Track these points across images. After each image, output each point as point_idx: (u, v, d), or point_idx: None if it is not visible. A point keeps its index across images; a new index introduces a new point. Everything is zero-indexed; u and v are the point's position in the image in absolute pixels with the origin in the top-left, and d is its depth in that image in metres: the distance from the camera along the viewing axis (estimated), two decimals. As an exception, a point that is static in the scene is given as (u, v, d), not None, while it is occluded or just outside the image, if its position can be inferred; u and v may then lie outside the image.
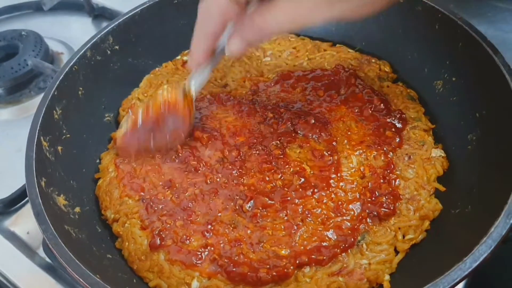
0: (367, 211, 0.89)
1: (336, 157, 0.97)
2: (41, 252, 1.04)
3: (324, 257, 0.83)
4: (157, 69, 1.24)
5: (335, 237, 0.87)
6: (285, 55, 1.22)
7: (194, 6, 1.22)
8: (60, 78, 0.99)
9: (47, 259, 1.01)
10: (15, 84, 1.38)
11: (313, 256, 0.83)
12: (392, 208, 0.89)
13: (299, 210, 0.90)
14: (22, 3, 1.72)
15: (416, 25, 1.08)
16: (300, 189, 0.92)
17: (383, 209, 0.89)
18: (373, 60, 1.17)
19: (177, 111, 0.92)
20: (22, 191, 1.09)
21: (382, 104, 1.04)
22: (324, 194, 0.92)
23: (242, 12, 0.78)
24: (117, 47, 1.14)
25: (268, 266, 0.82)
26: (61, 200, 0.89)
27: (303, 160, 0.98)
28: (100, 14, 1.65)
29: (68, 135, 1.00)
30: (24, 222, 1.10)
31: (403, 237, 0.87)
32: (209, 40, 0.84)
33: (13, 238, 1.07)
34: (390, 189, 0.92)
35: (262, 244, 0.86)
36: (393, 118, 1.02)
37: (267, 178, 0.95)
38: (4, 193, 1.10)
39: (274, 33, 0.74)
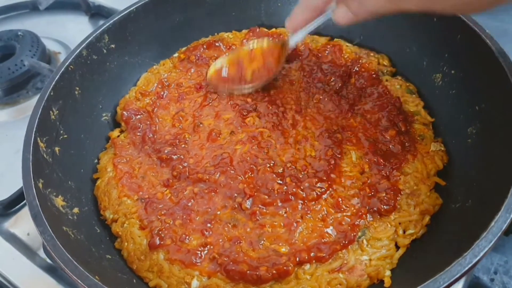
0: (367, 206, 0.89)
1: (336, 151, 0.96)
2: (41, 253, 1.04)
3: (324, 254, 0.83)
4: (154, 67, 1.23)
5: (335, 233, 0.86)
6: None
7: (189, 3, 1.23)
8: (56, 78, 0.99)
9: (48, 260, 1.02)
10: (12, 85, 1.38)
11: (313, 253, 0.83)
12: (392, 203, 0.88)
13: (299, 207, 0.89)
14: (18, 3, 1.71)
15: (414, 17, 1.07)
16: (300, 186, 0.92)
17: (383, 204, 0.88)
18: (371, 54, 1.16)
19: (272, 56, 1.08)
20: (21, 193, 1.09)
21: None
22: (324, 190, 0.91)
23: None
24: (113, 45, 1.13)
25: (268, 264, 0.82)
26: (59, 201, 0.89)
27: (301, 157, 0.97)
28: (96, 13, 1.65)
29: (66, 136, 0.99)
30: (24, 223, 1.10)
31: (404, 232, 0.87)
32: (310, 12, 0.90)
33: (13, 239, 1.07)
34: (390, 184, 0.91)
35: (261, 241, 0.86)
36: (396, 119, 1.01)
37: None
38: (3, 195, 1.10)
39: (374, 12, 0.75)
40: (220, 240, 0.87)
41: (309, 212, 0.89)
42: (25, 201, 1.08)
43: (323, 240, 0.85)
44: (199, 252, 0.86)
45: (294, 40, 1.02)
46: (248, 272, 0.81)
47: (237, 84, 1.10)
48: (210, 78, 1.13)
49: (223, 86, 1.11)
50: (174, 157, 1.00)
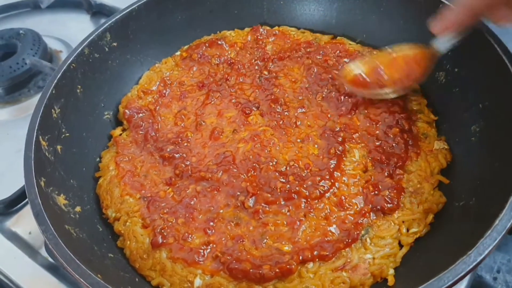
0: (370, 205, 0.88)
1: (339, 149, 0.96)
2: (43, 252, 1.03)
3: (328, 253, 0.82)
4: (156, 65, 1.23)
5: (338, 232, 0.86)
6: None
7: (191, 1, 1.23)
8: (58, 76, 0.98)
9: (50, 259, 1.01)
10: (14, 83, 1.37)
11: (316, 252, 0.82)
12: (395, 201, 0.88)
13: (302, 205, 0.89)
14: (19, 1, 1.70)
15: (417, 15, 1.07)
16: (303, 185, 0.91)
17: (386, 203, 0.88)
18: (374, 52, 1.16)
19: (416, 64, 0.98)
20: (23, 192, 1.09)
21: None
22: (327, 189, 0.91)
23: None
24: (115, 44, 1.13)
25: (270, 263, 0.82)
26: (61, 200, 0.88)
27: (304, 155, 0.97)
28: (98, 11, 1.64)
29: (68, 134, 0.99)
30: (26, 222, 1.09)
31: (407, 230, 0.87)
32: (467, 15, 0.83)
33: (15, 238, 1.07)
34: (393, 182, 0.91)
35: (264, 240, 0.86)
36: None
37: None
38: (4, 194, 1.10)
39: None
40: (223, 239, 0.87)
41: (312, 210, 0.88)
42: (26, 199, 1.09)
43: (326, 239, 0.85)
44: (201, 251, 0.85)
45: (444, 45, 0.93)
46: (251, 270, 0.80)
47: (375, 89, 1.02)
48: (347, 81, 1.05)
49: (360, 90, 1.04)
50: (177, 155, 1.00)
